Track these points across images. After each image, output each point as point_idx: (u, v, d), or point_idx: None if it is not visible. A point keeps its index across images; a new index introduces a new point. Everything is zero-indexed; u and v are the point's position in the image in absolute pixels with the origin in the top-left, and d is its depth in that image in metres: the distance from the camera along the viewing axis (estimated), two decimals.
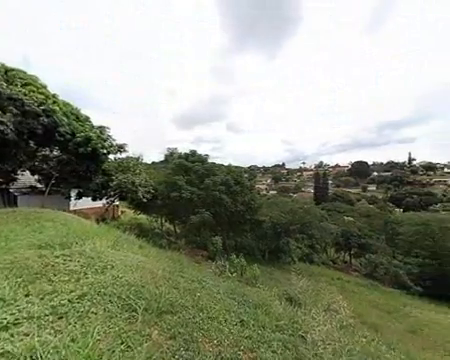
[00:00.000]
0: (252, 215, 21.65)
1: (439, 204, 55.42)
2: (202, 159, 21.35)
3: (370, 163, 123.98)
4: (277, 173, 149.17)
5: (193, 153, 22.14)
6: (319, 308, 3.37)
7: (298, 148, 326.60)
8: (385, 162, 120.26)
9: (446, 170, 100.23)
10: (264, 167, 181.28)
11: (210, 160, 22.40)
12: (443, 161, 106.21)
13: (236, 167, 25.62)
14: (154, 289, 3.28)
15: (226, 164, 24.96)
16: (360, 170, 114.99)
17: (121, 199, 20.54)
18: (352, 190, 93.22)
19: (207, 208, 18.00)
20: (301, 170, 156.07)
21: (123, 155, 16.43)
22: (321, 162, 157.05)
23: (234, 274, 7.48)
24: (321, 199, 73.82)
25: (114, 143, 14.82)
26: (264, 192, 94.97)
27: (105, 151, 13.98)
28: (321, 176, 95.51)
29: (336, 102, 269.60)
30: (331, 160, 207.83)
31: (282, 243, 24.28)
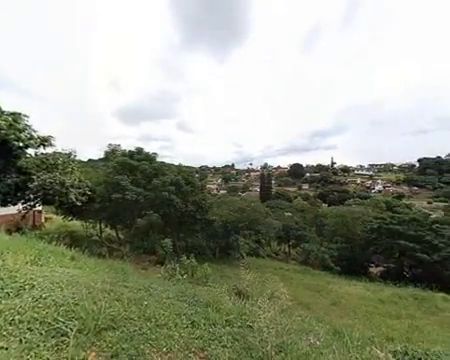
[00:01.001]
0: (203, 215, 21.75)
1: (351, 199, 69.73)
2: (150, 158, 19.99)
3: (304, 165, 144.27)
4: (227, 173, 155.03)
5: (139, 151, 20.46)
6: (264, 297, 3.69)
7: (246, 150, 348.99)
8: (315, 165, 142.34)
9: (356, 172, 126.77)
10: (215, 167, 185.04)
11: (159, 159, 21.23)
12: (354, 165, 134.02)
13: (187, 167, 25.20)
14: (91, 305, 2.86)
15: (177, 164, 24.23)
16: (297, 171, 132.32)
17: (46, 203, 16.89)
18: (290, 189, 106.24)
19: (155, 210, 16.97)
20: (249, 171, 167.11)
21: (49, 150, 13.61)
22: (266, 164, 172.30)
23: (185, 276, 7.34)
24: (266, 197, 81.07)
25: (35, 135, 12.15)
26: (215, 192, 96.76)
27: (21, 144, 11.31)
28: (266, 177, 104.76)
29: (278, 111, 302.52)
30: (274, 162, 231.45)
31: (232, 240, 25.41)
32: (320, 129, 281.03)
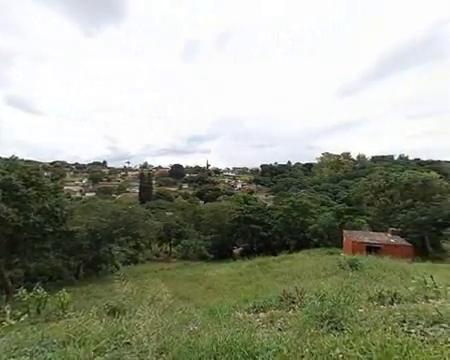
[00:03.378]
0: (58, 226, 16.50)
1: (221, 196, 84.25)
2: None
3: (184, 166, 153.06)
4: (96, 172, 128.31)
5: None
6: (144, 304, 3.47)
7: (122, 147, 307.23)
8: (194, 166, 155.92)
9: (225, 173, 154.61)
10: (77, 164, 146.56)
11: None
12: (224, 167, 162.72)
13: (27, 162, 17.89)
14: None
15: (6, 156, 16.47)
16: (177, 172, 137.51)
17: None
18: (172, 188, 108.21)
19: None
20: (126, 170, 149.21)
21: None
22: (146, 163, 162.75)
23: (22, 318, 5.12)
24: (146, 198, 76.52)
25: None
26: (78, 195, 76.75)
27: None
28: (146, 176, 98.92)
29: (159, 109, 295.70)
30: (155, 162, 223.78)
31: (103, 251, 21.39)
32: (197, 134, 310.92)
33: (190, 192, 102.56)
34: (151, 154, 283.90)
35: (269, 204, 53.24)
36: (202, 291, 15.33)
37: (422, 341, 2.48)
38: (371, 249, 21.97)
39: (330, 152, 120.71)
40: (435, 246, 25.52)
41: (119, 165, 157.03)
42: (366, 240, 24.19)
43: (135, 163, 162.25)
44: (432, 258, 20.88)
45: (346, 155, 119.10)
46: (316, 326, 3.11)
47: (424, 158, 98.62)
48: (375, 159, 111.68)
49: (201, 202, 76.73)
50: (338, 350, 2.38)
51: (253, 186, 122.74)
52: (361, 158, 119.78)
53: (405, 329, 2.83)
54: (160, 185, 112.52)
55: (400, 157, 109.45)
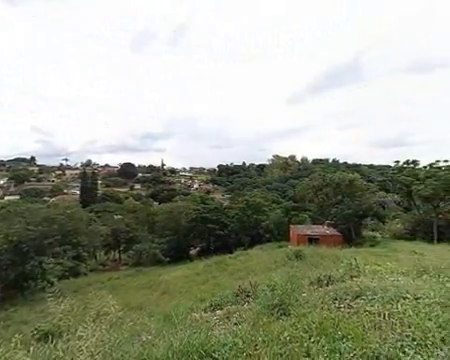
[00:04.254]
0: None
1: (178, 196, 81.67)
2: None
3: (136, 165, 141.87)
4: (21, 170, 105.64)
5: None
6: (88, 321, 3.06)
7: (57, 141, 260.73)
8: (147, 165, 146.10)
9: (181, 173, 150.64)
10: None
11: None
12: (180, 167, 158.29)
13: None
14: None
15: None
16: (128, 171, 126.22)
17: None
18: (121, 189, 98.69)
19: None
20: (63, 168, 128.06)
21: None
22: (89, 161, 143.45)
23: None
24: (89, 201, 67.50)
25: None
26: None
27: None
28: (89, 176, 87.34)
29: (105, 101, 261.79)
30: (101, 159, 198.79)
31: (31, 267, 17.77)
32: (151, 131, 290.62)
33: (143, 193, 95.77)
34: (96, 151, 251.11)
35: (226, 203, 54.72)
36: (157, 297, 14.54)
37: (349, 313, 3.00)
38: (312, 240, 25.24)
39: (279, 154, 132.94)
40: (358, 234, 31.22)
41: (54, 162, 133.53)
42: (308, 233, 27.64)
43: (75, 161, 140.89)
44: (356, 244, 25.46)
45: (293, 157, 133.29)
46: (268, 315, 3.37)
47: (350, 162, 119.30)
48: (315, 162, 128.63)
49: (155, 203, 72.64)
50: (286, 333, 2.64)
51: (210, 186, 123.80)
52: (304, 160, 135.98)
53: (336, 305, 3.36)
54: (107, 186, 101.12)
55: (333, 160, 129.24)
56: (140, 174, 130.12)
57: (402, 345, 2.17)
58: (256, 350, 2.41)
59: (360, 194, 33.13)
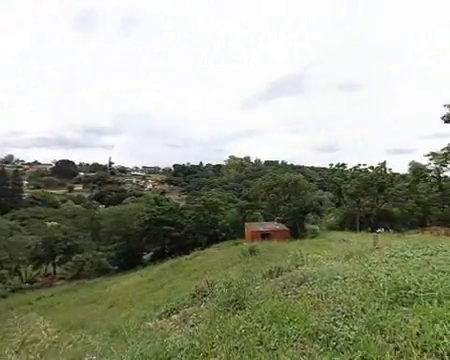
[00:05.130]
0: None
1: (128, 198, 74.88)
2: None
3: (77, 163, 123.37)
4: None
5: None
6: (8, 353, 2.49)
7: None
8: (91, 163, 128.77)
9: (132, 173, 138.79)
10: None
11: None
12: (131, 166, 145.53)
13: None
14: None
15: None
16: (66, 169, 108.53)
17: None
18: (56, 191, 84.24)
19: None
20: None
21: None
22: (11, 156, 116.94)
23: None
24: (10, 205, 55.04)
25: None
26: None
27: None
28: (11, 175, 71.42)
29: (35, 86, 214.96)
30: (26, 155, 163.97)
31: None
32: (97, 125, 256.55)
33: (86, 195, 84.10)
34: (23, 145, 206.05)
35: (182, 204, 53.38)
36: (103, 311, 13.00)
37: (294, 298, 3.37)
38: (264, 236, 27.23)
39: (235, 155, 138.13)
40: (302, 228, 35.35)
41: None
42: (261, 229, 29.70)
43: None
44: (300, 237, 28.77)
45: (247, 159, 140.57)
46: (224, 311, 3.46)
47: (295, 164, 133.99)
48: (267, 163, 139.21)
49: (102, 206, 64.84)
50: (241, 326, 2.77)
51: (166, 186, 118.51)
52: (258, 162, 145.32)
53: (285, 293, 3.72)
54: (37, 187, 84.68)
55: (282, 162, 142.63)
56: (82, 173, 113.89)
57: (334, 319, 2.58)
58: (213, 348, 2.44)
59: (303, 192, 37.61)
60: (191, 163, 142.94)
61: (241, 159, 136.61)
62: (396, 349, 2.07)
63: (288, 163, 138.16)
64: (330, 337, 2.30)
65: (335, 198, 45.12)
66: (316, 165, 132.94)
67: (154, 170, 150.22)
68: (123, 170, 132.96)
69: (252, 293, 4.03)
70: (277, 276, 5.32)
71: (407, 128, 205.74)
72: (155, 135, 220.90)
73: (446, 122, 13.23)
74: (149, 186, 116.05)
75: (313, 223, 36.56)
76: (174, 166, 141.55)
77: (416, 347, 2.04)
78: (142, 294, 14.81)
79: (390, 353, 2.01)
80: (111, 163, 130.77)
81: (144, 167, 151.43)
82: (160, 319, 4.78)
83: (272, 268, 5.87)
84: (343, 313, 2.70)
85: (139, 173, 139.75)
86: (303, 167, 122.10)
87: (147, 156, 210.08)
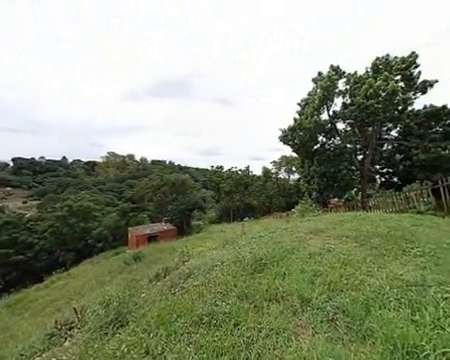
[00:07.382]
0: None
1: None
2: None
3: None
4: None
5: None
6: None
7: None
8: None
9: None
10: None
11: None
12: None
13: None
14: None
15: None
16: None
17: None
18: None
19: None
20: None
21: None
22: None
23: None
24: None
25: None
26: None
27: None
28: None
29: None
30: None
31: None
32: None
33: None
34: None
35: (29, 214, 38.29)
36: None
37: (182, 293, 3.49)
38: (151, 238, 25.87)
39: (116, 152, 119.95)
40: (188, 224, 37.38)
41: None
42: (147, 232, 27.92)
43: None
44: (187, 233, 30.30)
45: (131, 157, 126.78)
46: (100, 337, 2.89)
47: (182, 164, 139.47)
48: (154, 162, 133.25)
49: None
50: (124, 345, 2.45)
51: None
52: (143, 161, 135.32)
53: (172, 291, 3.75)
54: None
55: (170, 162, 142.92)
56: None
57: (215, 301, 2.97)
58: None
59: (190, 192, 40.04)
60: (48, 157, 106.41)
61: (124, 157, 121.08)
62: (255, 306, 2.75)
63: (176, 163, 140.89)
64: (212, 317, 2.62)
65: (215, 195, 52.15)
66: (200, 166, 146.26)
67: None
68: None
69: (137, 303, 3.69)
70: (164, 277, 5.24)
71: (261, 142, 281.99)
72: None
73: (280, 141, 19.69)
74: None
75: (198, 219, 39.84)
76: (14, 160, 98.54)
77: (265, 300, 2.83)
78: None
79: (251, 311, 2.64)
80: None
81: None
82: None
83: (159, 270, 5.71)
84: (221, 293, 3.18)
85: None
86: (189, 168, 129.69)
87: None
